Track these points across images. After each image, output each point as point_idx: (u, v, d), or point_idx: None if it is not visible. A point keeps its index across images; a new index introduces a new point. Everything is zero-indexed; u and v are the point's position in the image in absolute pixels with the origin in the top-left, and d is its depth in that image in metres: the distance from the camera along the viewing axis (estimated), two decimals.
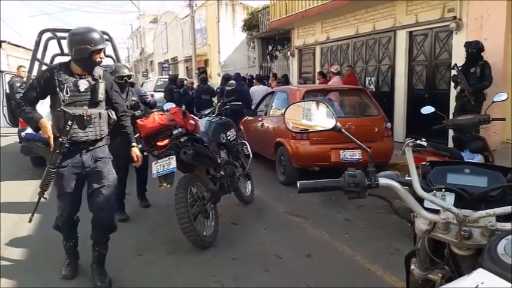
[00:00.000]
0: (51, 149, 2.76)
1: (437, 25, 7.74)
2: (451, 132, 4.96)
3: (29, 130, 6.05)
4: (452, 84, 6.80)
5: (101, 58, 2.86)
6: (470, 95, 6.04)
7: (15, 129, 8.32)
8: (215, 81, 14.94)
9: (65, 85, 2.78)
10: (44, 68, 7.33)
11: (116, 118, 3.07)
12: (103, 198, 2.94)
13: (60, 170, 2.85)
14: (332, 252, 3.64)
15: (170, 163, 3.45)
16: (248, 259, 3.49)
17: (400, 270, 3.18)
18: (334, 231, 4.09)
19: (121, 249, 3.63)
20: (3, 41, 31.59)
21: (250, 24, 15.12)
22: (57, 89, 2.76)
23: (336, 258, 3.51)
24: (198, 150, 3.67)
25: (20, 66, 8.90)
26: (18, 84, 8.31)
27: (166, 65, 25.87)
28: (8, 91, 8.54)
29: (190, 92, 12.17)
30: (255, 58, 15.49)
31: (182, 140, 3.59)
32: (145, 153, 3.65)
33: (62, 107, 2.77)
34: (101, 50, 2.83)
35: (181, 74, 22.13)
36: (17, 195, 5.38)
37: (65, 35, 6.90)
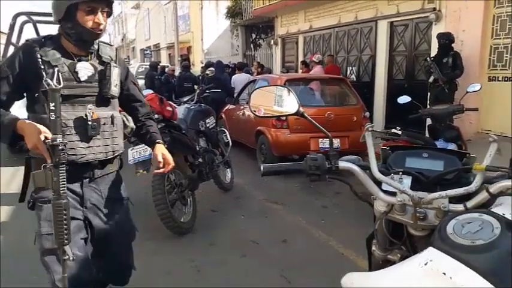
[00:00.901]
0: (46, 167, 1.56)
1: (417, 16, 7.83)
2: (428, 122, 5.08)
3: None
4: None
5: (97, 24, 1.72)
6: (444, 83, 6.23)
7: None
8: (198, 69, 14.82)
9: (56, 70, 1.67)
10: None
11: (133, 126, 2.06)
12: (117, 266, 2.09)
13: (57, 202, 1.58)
14: (307, 238, 3.71)
15: (146, 150, 3.44)
16: (225, 245, 3.54)
17: None
18: (311, 218, 4.18)
19: None
20: None
21: (234, 12, 15.00)
22: (43, 76, 1.63)
23: (311, 244, 3.59)
24: (175, 137, 3.67)
25: None
26: None
27: (148, 51, 25.50)
28: None
29: (173, 80, 12.07)
30: (238, 46, 15.41)
31: (159, 126, 3.58)
32: None
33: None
34: (93, 7, 1.71)
35: (164, 61, 21.88)
36: None
37: (41, 18, 6.83)
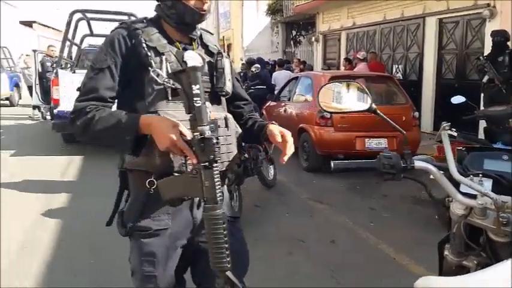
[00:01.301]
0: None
1: (469, 12, 7.49)
2: (481, 124, 4.86)
3: (61, 107, 6.27)
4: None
5: (202, 2, 1.35)
6: (501, 83, 5.90)
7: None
8: (237, 66, 14.91)
9: (163, 58, 1.34)
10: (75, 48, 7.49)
11: (241, 131, 1.57)
12: None
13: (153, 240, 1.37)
14: (356, 240, 3.65)
15: None
16: (271, 241, 3.54)
17: (427, 261, 3.21)
18: (358, 219, 4.10)
19: None
20: (34, 22, 32.18)
21: (275, 9, 14.95)
22: (150, 64, 1.31)
23: (360, 246, 3.53)
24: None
25: (50, 46, 9.10)
26: (48, 64, 8.52)
27: None
28: (40, 70, 8.78)
29: None
30: (278, 43, 15.37)
31: None
32: None
33: (163, 103, 1.33)
34: None
35: None
36: (46, 171, 5.56)
37: (95, 16, 7.11)
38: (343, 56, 11.22)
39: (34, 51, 9.36)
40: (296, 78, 7.01)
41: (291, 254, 3.32)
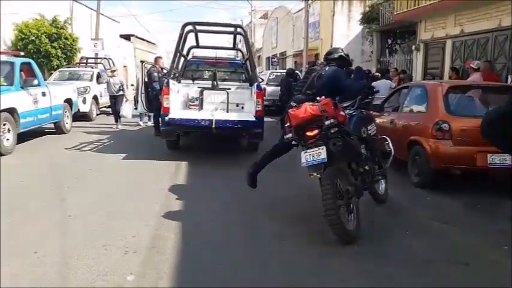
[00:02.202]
0: None
1: None
2: None
3: (172, 115, 6.63)
4: None
5: None
6: None
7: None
8: None
9: None
10: (182, 59, 7.99)
11: None
12: None
13: None
14: (493, 264, 3.30)
15: (320, 153, 3.44)
16: (397, 260, 3.32)
17: None
18: (489, 242, 3.73)
19: (262, 232, 3.78)
20: (132, 35, 35.17)
21: (370, 17, 14.54)
22: None
23: (499, 272, 3.17)
24: (348, 142, 3.60)
25: (158, 57, 9.75)
26: (155, 74, 9.11)
27: (275, 59, 26.30)
28: (146, 80, 9.42)
29: None
30: (371, 52, 14.90)
31: (332, 131, 3.56)
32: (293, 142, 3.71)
33: None
34: None
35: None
36: (156, 175, 5.87)
37: (204, 28, 7.46)
38: (447, 65, 10.51)
39: (141, 62, 10.12)
40: (405, 87, 6.66)
41: (419, 275, 3.08)
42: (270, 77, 15.85)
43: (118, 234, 3.54)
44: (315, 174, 3.48)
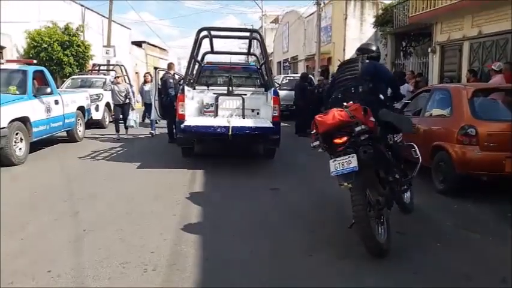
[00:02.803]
0: None
1: None
2: None
3: (188, 122, 6.51)
4: None
5: None
6: None
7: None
8: None
9: None
10: (196, 65, 7.89)
11: None
12: None
13: None
14: None
15: (351, 162, 3.25)
16: (432, 276, 3.13)
17: None
18: None
19: (288, 246, 3.60)
20: (144, 42, 35.40)
21: (384, 20, 14.31)
22: None
23: None
24: (379, 150, 3.42)
25: (171, 63, 9.66)
26: (171, 80, 9.00)
27: (287, 63, 26.15)
28: (160, 86, 9.31)
29: (316, 90, 12.06)
30: (386, 55, 14.66)
31: (362, 137, 3.36)
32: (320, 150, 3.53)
33: None
34: None
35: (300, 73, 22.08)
36: (172, 183, 5.74)
37: (218, 33, 7.36)
38: (464, 67, 10.23)
39: (155, 68, 10.03)
40: (427, 91, 6.45)
41: None
42: (283, 82, 15.73)
43: (136, 250, 3.38)
44: (345, 184, 3.28)
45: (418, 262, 3.35)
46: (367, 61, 4.10)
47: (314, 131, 3.54)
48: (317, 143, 3.52)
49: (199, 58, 7.77)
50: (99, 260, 3.20)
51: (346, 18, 18.03)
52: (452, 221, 4.35)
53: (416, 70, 12.76)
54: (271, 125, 6.50)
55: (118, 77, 10.77)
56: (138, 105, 11.33)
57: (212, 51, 7.88)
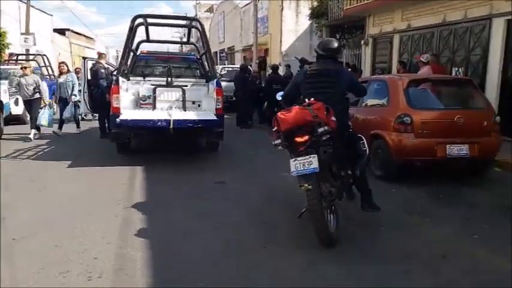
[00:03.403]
0: None
1: None
2: None
3: (124, 116, 6.12)
4: None
5: None
6: None
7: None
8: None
9: None
10: (131, 54, 7.43)
11: None
12: None
13: None
14: (468, 255, 3.35)
15: (312, 162, 3.24)
16: (380, 259, 3.24)
17: None
18: (459, 232, 3.81)
19: (241, 240, 3.55)
20: (67, 29, 33.10)
21: (319, 12, 14.64)
22: None
23: (475, 262, 3.22)
24: (337, 149, 3.49)
25: (102, 53, 9.07)
26: (102, 71, 8.45)
27: (223, 54, 25.92)
28: (89, 77, 8.70)
29: (256, 82, 12.09)
30: None
31: (324, 138, 3.38)
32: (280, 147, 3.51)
33: None
34: None
35: (238, 64, 22.03)
36: (110, 182, 5.40)
37: (155, 21, 6.99)
38: (395, 59, 10.83)
39: (84, 58, 9.34)
40: (363, 82, 6.67)
41: (409, 273, 3.01)
42: (222, 73, 15.49)
43: (76, 257, 3.10)
44: (305, 185, 3.25)
45: (365, 246, 3.47)
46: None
47: (275, 128, 3.49)
48: (279, 141, 3.47)
49: (134, 47, 7.34)
50: (35, 271, 2.88)
51: (282, 10, 18.22)
52: (393, 205, 4.54)
53: (351, 61, 13.25)
54: (215, 118, 6.34)
55: (25, 67, 8.98)
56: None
57: (148, 40, 7.46)
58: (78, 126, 9.72)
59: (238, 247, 3.41)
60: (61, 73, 9.49)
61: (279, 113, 3.47)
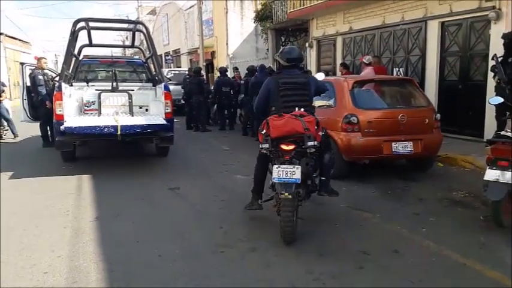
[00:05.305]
0: None
1: (472, 15, 7.61)
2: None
3: (68, 123, 5.83)
4: (491, 74, 6.71)
5: None
6: (506, 84, 5.97)
7: None
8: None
9: None
10: (73, 59, 7.11)
11: None
12: None
13: None
14: (418, 248, 3.51)
15: (295, 173, 3.33)
16: (337, 255, 3.34)
17: (499, 265, 3.09)
18: (409, 226, 3.98)
19: (197, 245, 3.50)
20: (0, 33, 30.88)
21: (263, 15, 14.83)
22: None
23: (425, 254, 3.38)
24: (318, 160, 3.69)
25: (41, 58, 8.58)
26: (40, 77, 7.99)
27: (169, 57, 25.45)
28: (28, 84, 8.24)
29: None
30: (267, 50, 15.26)
31: (311, 150, 3.49)
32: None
33: None
34: None
35: (184, 67, 21.80)
36: (56, 193, 5.14)
37: (97, 24, 6.73)
38: (339, 61, 11.21)
39: (22, 64, 8.79)
40: None
41: (362, 268, 3.12)
42: (169, 76, 15.22)
43: (26, 273, 2.92)
44: (286, 194, 3.31)
45: (321, 244, 3.55)
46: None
47: (264, 131, 3.51)
48: (267, 146, 3.49)
49: (76, 52, 7.01)
50: None
51: (227, 13, 18.24)
52: (345, 203, 4.70)
53: None
54: (165, 122, 6.22)
55: None
56: None
57: (90, 44, 7.17)
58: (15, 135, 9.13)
59: (194, 253, 3.36)
60: None
61: (271, 118, 3.53)
